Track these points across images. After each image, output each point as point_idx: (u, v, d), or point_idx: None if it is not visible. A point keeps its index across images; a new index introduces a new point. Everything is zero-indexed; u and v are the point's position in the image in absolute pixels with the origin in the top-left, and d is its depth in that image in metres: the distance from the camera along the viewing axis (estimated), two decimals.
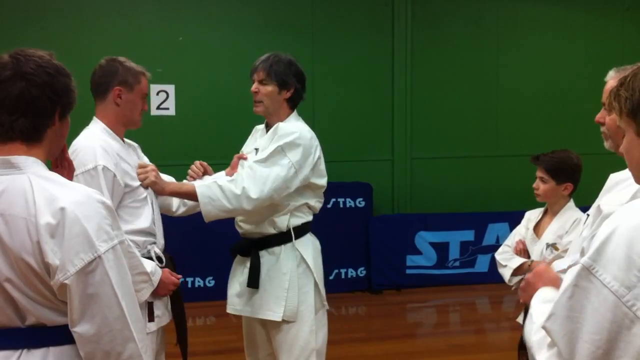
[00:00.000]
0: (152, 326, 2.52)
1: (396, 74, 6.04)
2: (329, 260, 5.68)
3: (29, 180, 1.42)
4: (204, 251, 5.36)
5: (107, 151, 2.51)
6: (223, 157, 5.60)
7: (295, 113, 2.95)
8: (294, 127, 2.81)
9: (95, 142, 2.52)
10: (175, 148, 5.62)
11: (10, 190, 1.41)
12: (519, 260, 2.94)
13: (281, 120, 2.86)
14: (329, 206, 5.71)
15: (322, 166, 2.87)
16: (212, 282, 5.52)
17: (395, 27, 5.98)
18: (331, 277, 5.76)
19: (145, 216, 2.59)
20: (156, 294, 2.55)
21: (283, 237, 2.80)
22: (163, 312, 2.63)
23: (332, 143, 6.00)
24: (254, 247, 2.82)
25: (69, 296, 1.38)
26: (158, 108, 5.63)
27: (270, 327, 2.81)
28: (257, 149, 2.87)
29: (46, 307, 1.42)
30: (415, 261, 5.83)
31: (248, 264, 2.82)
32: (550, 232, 2.90)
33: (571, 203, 2.94)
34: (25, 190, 1.40)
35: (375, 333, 4.88)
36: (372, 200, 5.88)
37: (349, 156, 5.99)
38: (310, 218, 2.89)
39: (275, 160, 2.70)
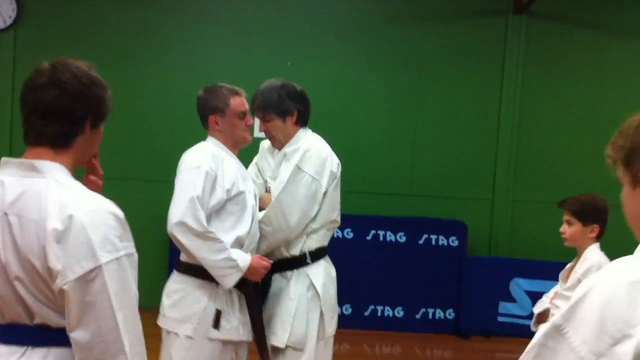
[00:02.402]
0: (215, 333, 2.60)
1: (503, 111, 5.85)
2: (417, 298, 5.61)
3: (47, 185, 1.45)
4: None
5: (214, 157, 2.65)
6: None
7: (305, 129, 2.91)
8: (303, 143, 2.82)
9: (204, 149, 2.70)
10: None
11: (28, 193, 1.45)
12: (541, 306, 2.97)
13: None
14: (420, 242, 5.58)
15: (338, 182, 2.87)
16: None
17: (506, 63, 5.82)
18: (418, 316, 5.60)
19: (243, 225, 2.68)
20: (247, 278, 2.63)
21: (296, 262, 2.78)
22: (234, 324, 2.66)
23: (430, 177, 5.90)
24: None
25: (66, 302, 1.41)
26: (261, 130, 5.78)
27: (273, 354, 2.75)
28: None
29: (50, 308, 1.45)
30: (509, 309, 5.55)
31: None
32: (572, 278, 2.86)
33: (595, 246, 2.87)
34: (40, 195, 1.44)
35: None
36: (466, 240, 5.68)
37: (446, 192, 5.85)
38: (326, 243, 2.87)
39: (296, 182, 2.73)
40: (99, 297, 1.40)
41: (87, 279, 1.39)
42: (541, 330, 1.09)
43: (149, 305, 5.56)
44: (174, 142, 5.62)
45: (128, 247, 1.47)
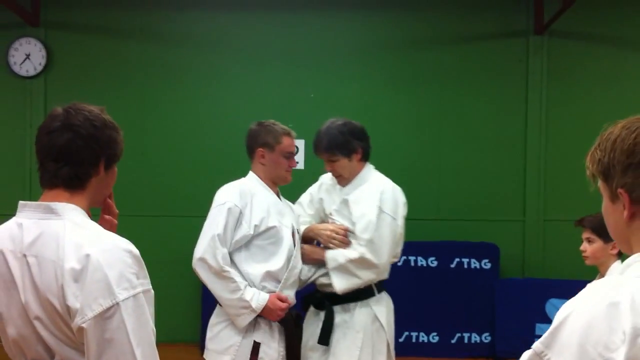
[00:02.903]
0: None
1: (529, 131, 5.82)
2: (452, 322, 5.54)
3: (63, 226, 1.48)
4: None
5: (243, 194, 2.72)
6: None
7: (368, 165, 2.99)
8: (374, 183, 2.92)
9: (234, 187, 2.79)
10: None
11: (45, 234, 1.48)
12: None
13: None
14: (452, 266, 5.53)
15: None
16: None
17: (529, 84, 5.80)
18: (453, 341, 5.52)
19: (277, 260, 2.70)
20: (263, 316, 2.67)
21: (359, 294, 2.83)
22: (273, 357, 2.70)
23: (458, 201, 5.86)
24: (328, 301, 2.84)
25: (86, 339, 1.41)
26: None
27: None
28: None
29: (70, 346, 1.46)
30: (545, 330, 5.43)
31: (322, 317, 2.85)
32: None
33: (617, 262, 2.76)
34: (58, 235, 1.46)
35: None
36: (499, 262, 5.61)
37: (475, 215, 5.80)
38: (387, 275, 2.92)
39: (381, 223, 2.79)
40: (118, 333, 1.41)
41: (105, 316, 1.41)
42: (523, 357, 1.07)
43: (182, 339, 5.60)
44: (202, 178, 5.74)
45: (144, 283, 1.48)
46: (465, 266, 5.54)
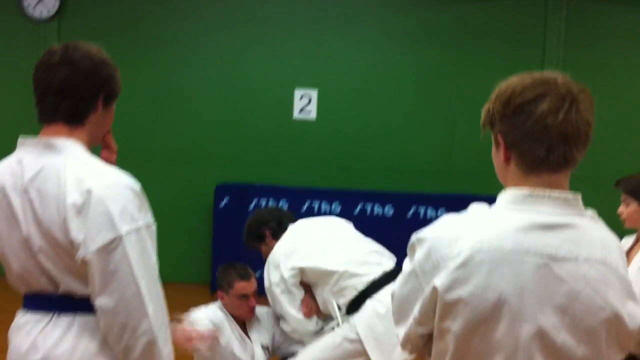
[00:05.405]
0: None
1: None
2: None
3: (64, 161, 1.49)
4: None
5: None
6: (361, 161, 5.67)
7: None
8: None
9: None
10: (313, 151, 5.76)
11: (47, 169, 1.49)
12: None
13: None
14: None
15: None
16: None
17: (547, 46, 5.70)
18: None
19: None
20: None
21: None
22: None
23: (470, 155, 5.84)
24: None
25: (89, 271, 1.44)
26: (300, 112, 5.81)
27: None
28: None
29: (73, 277, 1.48)
30: None
31: None
32: (637, 262, 2.63)
33: None
34: (59, 170, 1.47)
35: None
36: None
37: (486, 169, 5.77)
38: (356, 290, 2.83)
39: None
40: (121, 265, 1.44)
41: (109, 249, 1.43)
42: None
43: (193, 279, 5.70)
44: (211, 129, 5.77)
45: (146, 217, 1.50)
46: None
